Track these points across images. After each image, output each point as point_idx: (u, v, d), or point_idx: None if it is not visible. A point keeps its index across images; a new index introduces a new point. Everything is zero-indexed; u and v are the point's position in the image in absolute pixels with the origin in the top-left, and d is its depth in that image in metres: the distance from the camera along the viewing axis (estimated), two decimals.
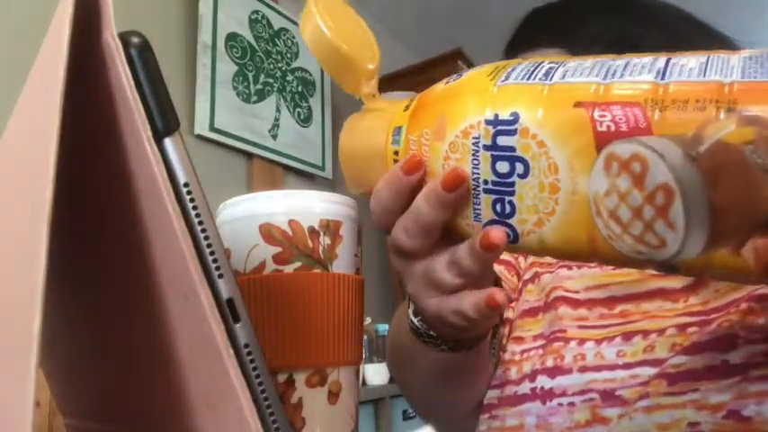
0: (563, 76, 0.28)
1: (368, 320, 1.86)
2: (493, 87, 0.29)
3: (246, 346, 0.22)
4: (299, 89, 2.02)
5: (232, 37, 1.79)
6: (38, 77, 0.24)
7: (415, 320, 0.39)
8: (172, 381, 0.23)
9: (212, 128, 1.65)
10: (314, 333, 0.33)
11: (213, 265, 0.22)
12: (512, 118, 0.28)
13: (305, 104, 2.02)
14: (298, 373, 0.32)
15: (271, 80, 1.91)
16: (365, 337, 1.79)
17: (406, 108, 0.33)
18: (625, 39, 0.51)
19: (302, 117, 2.00)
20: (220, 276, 0.22)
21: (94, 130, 0.24)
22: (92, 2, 0.21)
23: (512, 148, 0.28)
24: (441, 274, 0.32)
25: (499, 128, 0.28)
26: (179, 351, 0.22)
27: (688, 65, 0.26)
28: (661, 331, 0.43)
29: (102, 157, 0.24)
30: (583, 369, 0.44)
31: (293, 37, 2.04)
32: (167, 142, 0.22)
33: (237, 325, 0.22)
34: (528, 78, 0.29)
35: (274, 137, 1.87)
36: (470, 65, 2.27)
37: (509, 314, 0.54)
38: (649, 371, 0.41)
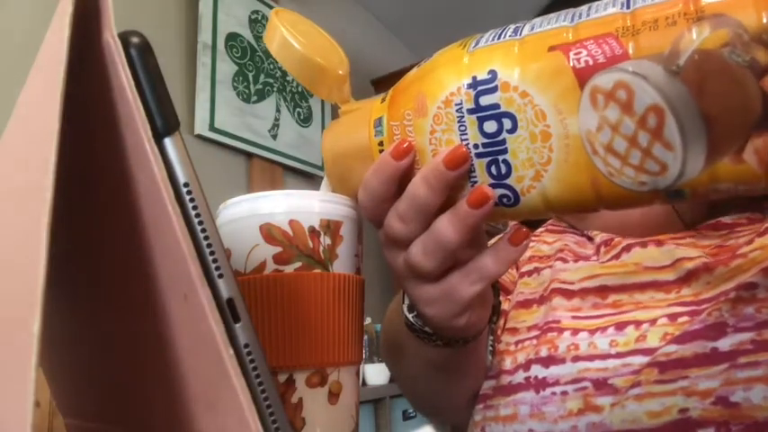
0: (532, 29, 0.29)
1: (368, 320, 1.86)
2: (465, 55, 0.30)
3: (246, 346, 0.22)
4: (299, 89, 2.02)
5: (232, 37, 1.79)
6: (38, 77, 0.24)
7: (409, 316, 0.39)
8: (172, 381, 0.23)
9: (212, 128, 1.65)
10: (314, 333, 0.33)
11: (213, 265, 0.22)
12: (490, 76, 0.28)
13: (305, 104, 2.02)
14: (298, 373, 0.32)
15: (271, 80, 1.91)
16: (365, 337, 1.79)
17: (383, 100, 0.33)
18: None
19: (302, 117, 2.00)
20: (220, 276, 0.22)
21: (94, 130, 0.24)
22: (92, 2, 0.21)
23: (496, 106, 0.28)
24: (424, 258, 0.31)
25: (480, 88, 0.28)
26: (179, 351, 0.22)
27: None
28: (653, 321, 0.43)
29: (102, 157, 0.24)
30: (576, 359, 0.44)
31: None
32: (167, 142, 0.22)
33: (237, 325, 0.22)
34: (498, 39, 0.29)
35: (274, 137, 1.87)
36: None
37: (505, 306, 0.54)
38: (641, 359, 0.42)
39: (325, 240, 0.34)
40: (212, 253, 0.22)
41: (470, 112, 0.29)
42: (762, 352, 0.37)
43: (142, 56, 0.21)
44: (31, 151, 0.21)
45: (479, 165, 0.29)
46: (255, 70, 1.85)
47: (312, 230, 0.33)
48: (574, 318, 0.47)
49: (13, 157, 0.24)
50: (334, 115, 0.36)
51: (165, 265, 0.22)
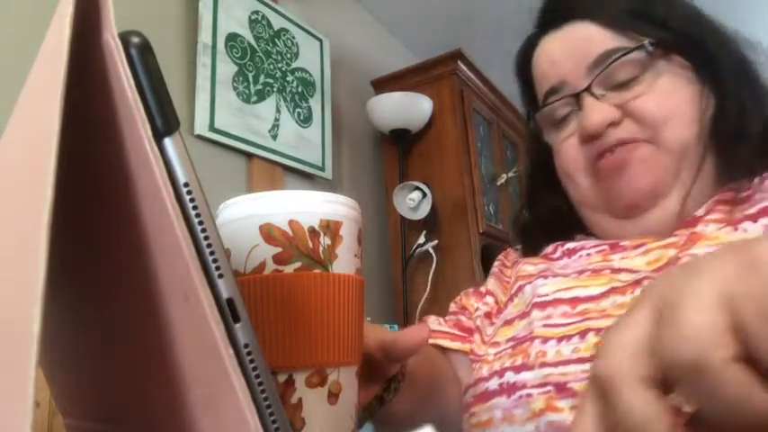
0: None
1: (368, 320, 1.86)
2: None
3: (246, 346, 0.22)
4: (299, 89, 2.02)
5: (232, 37, 1.79)
6: (38, 77, 0.24)
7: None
8: (172, 381, 0.23)
9: (212, 128, 1.65)
10: (314, 333, 0.33)
11: (213, 265, 0.22)
12: None
13: (305, 105, 2.02)
14: (298, 373, 0.32)
15: (271, 80, 1.91)
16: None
17: None
18: (650, 13, 0.53)
19: (302, 117, 2.00)
20: (220, 276, 0.22)
21: (94, 130, 0.24)
22: (92, 2, 0.21)
23: None
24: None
25: None
26: (179, 351, 0.22)
27: None
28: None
29: (102, 157, 0.24)
30: (543, 365, 0.47)
31: (293, 37, 2.04)
32: (167, 142, 0.22)
33: (237, 325, 0.22)
34: None
35: (274, 137, 1.87)
36: (470, 65, 2.26)
37: (466, 347, 0.58)
38: None
39: (325, 241, 0.34)
40: (212, 253, 0.22)
41: None
42: None
43: (142, 56, 0.21)
44: (31, 151, 0.21)
45: None
46: (255, 70, 1.85)
47: (312, 231, 0.33)
48: (545, 326, 0.50)
49: (13, 157, 0.24)
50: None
51: (165, 265, 0.22)
